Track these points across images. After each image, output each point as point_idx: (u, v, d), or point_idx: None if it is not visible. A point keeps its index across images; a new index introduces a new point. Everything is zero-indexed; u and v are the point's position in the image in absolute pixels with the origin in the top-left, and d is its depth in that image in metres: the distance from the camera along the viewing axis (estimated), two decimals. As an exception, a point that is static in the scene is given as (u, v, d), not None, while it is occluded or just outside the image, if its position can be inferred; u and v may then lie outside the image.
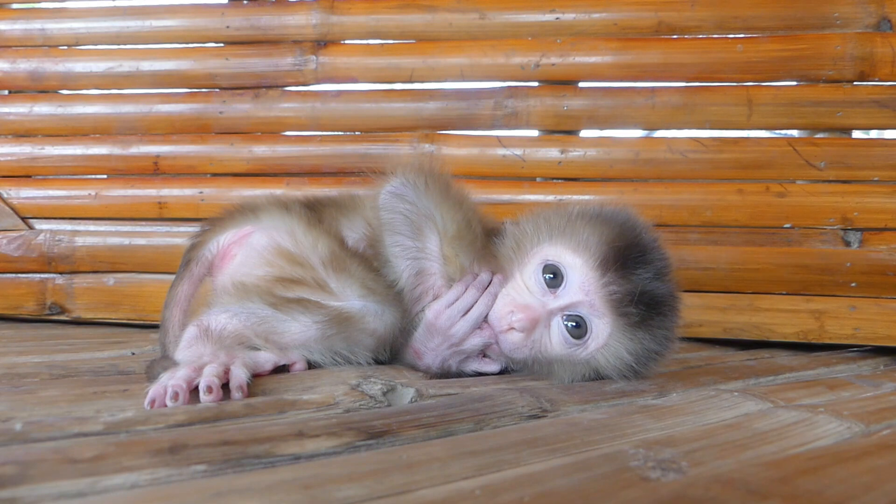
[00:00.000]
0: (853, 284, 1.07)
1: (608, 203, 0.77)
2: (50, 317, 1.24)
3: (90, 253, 1.23)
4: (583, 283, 0.70)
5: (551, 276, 0.71)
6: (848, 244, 1.09)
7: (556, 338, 0.71)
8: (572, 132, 1.19)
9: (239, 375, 0.60)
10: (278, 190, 1.20)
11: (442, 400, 0.60)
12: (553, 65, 1.17)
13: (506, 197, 1.16)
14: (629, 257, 0.69)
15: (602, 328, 0.70)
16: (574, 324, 0.70)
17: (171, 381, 0.55)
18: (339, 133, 1.23)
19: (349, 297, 0.71)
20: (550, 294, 0.72)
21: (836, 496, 0.38)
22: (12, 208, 1.26)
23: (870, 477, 0.41)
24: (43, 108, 1.27)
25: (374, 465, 0.40)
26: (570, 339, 0.71)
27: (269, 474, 0.38)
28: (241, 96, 1.24)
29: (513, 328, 0.71)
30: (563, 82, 1.18)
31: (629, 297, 0.68)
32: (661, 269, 0.71)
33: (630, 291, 0.68)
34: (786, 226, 1.10)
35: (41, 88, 1.29)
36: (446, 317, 0.73)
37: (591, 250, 0.70)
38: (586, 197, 1.14)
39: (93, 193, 1.25)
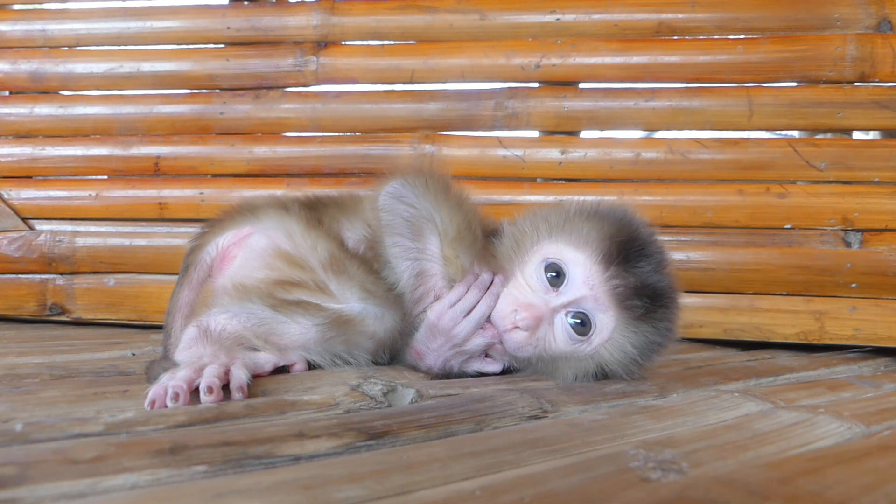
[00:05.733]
0: (854, 285, 1.07)
1: (604, 201, 0.77)
2: (50, 317, 1.24)
3: (91, 253, 1.23)
4: (587, 278, 0.70)
5: (553, 274, 0.71)
6: (848, 245, 1.09)
7: (560, 335, 0.71)
8: (573, 133, 1.19)
9: (239, 376, 0.60)
10: (279, 191, 1.20)
11: (442, 400, 0.60)
12: (553, 66, 1.17)
13: (506, 198, 1.16)
14: (630, 251, 0.69)
15: (606, 322, 0.70)
16: (579, 321, 0.70)
17: (171, 381, 0.55)
18: (340, 134, 1.23)
19: (349, 299, 0.71)
20: (553, 292, 0.71)
21: (836, 497, 0.38)
22: (13, 209, 1.26)
23: (870, 478, 0.41)
24: (44, 109, 1.27)
25: (375, 466, 0.40)
26: (574, 335, 0.70)
27: (270, 475, 0.38)
28: (242, 97, 1.24)
29: (517, 327, 0.71)
30: (563, 83, 1.18)
31: (632, 290, 0.68)
32: (661, 262, 0.71)
33: (633, 284, 0.68)
34: (786, 226, 1.10)
35: (42, 89, 1.29)
36: (449, 317, 0.73)
37: (593, 245, 0.70)
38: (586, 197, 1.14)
39: (93, 194, 1.25)
